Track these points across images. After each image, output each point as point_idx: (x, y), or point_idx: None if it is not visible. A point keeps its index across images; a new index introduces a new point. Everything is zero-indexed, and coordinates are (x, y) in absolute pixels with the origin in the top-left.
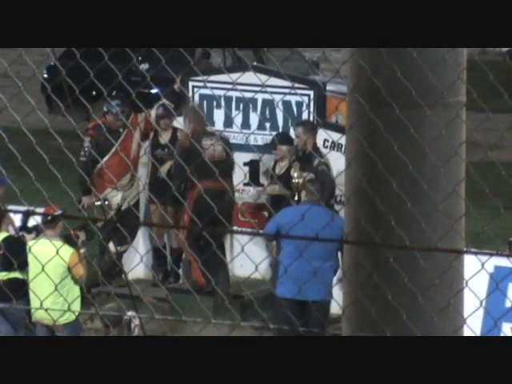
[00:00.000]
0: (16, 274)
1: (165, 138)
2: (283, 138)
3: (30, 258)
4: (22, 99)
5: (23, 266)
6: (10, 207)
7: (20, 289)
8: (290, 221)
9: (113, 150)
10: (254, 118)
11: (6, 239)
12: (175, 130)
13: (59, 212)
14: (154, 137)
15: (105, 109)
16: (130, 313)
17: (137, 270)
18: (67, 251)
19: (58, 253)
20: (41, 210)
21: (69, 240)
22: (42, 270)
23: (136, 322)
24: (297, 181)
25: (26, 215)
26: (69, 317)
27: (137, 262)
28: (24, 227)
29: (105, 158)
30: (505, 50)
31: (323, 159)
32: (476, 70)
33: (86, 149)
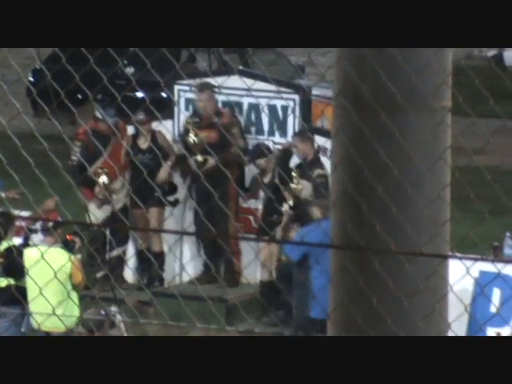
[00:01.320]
0: (13, 281)
1: (145, 142)
2: (259, 151)
3: (30, 265)
4: (7, 102)
5: (22, 274)
6: None
7: (17, 295)
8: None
9: (104, 154)
10: None
11: (7, 249)
12: (154, 134)
13: (58, 219)
14: (133, 142)
15: (98, 115)
16: (113, 308)
17: (124, 275)
18: (67, 258)
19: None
20: (27, 213)
21: (65, 246)
22: (55, 275)
23: (119, 317)
24: (295, 187)
25: (28, 233)
26: (69, 324)
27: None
28: (26, 244)
29: (97, 162)
30: (490, 54)
31: (323, 171)
32: (461, 74)
33: (77, 153)
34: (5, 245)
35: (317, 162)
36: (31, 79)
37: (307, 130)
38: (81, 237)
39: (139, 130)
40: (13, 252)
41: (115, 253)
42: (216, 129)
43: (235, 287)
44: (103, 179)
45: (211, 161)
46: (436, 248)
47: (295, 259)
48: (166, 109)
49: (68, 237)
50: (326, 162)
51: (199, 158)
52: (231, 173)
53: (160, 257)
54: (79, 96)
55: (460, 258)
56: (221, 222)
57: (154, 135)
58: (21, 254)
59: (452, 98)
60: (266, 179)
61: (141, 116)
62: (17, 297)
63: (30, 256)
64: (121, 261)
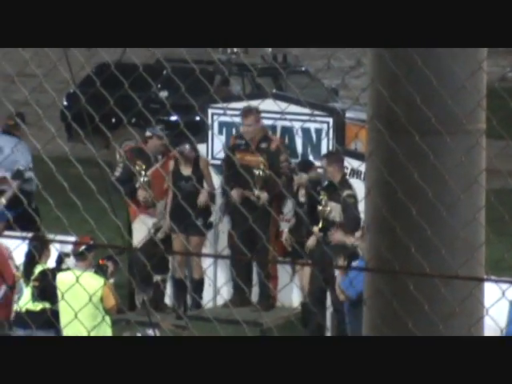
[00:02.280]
0: (48, 305)
1: (187, 169)
2: (302, 165)
3: (63, 289)
4: (41, 127)
5: (57, 297)
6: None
7: (51, 319)
8: None
9: (149, 171)
10: None
11: (42, 272)
12: (197, 160)
13: (90, 243)
14: (175, 167)
15: (148, 133)
16: (149, 331)
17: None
18: (100, 282)
19: (77, 283)
20: (64, 237)
21: (98, 270)
22: (90, 300)
23: None
24: (323, 209)
25: (60, 258)
26: None
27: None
28: (58, 268)
29: (137, 180)
30: None
31: (351, 192)
32: (495, 97)
33: (119, 170)
34: (39, 268)
35: (345, 183)
36: (65, 103)
37: (336, 153)
38: (115, 261)
39: (183, 158)
40: (48, 276)
41: (154, 279)
42: (264, 154)
43: (270, 311)
44: (143, 178)
45: (263, 196)
46: (471, 271)
47: (352, 297)
48: (199, 132)
49: (100, 261)
50: (360, 184)
51: (256, 192)
52: (275, 199)
53: (200, 284)
54: (113, 120)
55: (496, 281)
56: (261, 246)
57: (196, 161)
58: (55, 277)
59: (486, 121)
60: (302, 199)
61: (187, 147)
62: (51, 320)
63: (62, 280)
64: (160, 287)
